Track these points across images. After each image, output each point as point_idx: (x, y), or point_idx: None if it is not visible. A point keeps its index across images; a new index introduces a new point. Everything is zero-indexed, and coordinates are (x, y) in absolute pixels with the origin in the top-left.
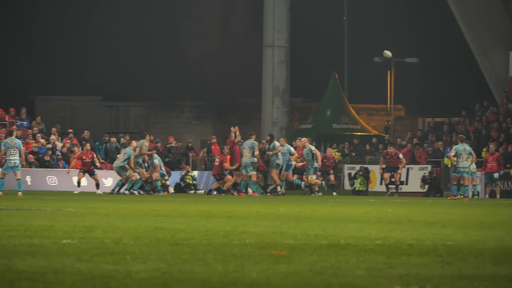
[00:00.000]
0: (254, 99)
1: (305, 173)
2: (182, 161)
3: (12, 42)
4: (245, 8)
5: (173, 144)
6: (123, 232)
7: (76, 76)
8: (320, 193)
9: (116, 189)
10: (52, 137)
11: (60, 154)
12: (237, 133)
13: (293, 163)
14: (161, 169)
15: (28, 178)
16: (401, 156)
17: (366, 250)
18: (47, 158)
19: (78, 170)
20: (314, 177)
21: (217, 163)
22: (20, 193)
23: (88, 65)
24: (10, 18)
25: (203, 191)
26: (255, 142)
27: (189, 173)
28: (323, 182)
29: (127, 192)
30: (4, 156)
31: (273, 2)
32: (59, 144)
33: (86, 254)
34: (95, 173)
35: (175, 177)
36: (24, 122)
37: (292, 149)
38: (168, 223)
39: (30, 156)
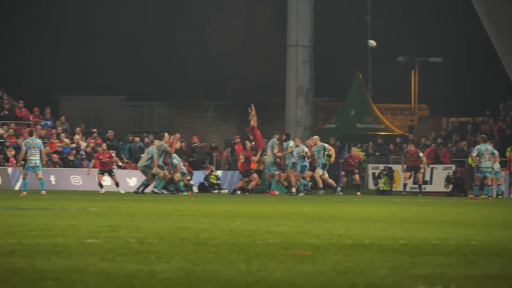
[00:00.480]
0: (278, 98)
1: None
2: (206, 161)
3: (37, 42)
4: (268, 8)
5: (197, 144)
6: (147, 232)
7: (100, 76)
8: (322, 192)
9: (141, 189)
10: (76, 136)
11: (84, 153)
12: (253, 112)
13: (307, 164)
14: (181, 168)
15: (52, 178)
16: (421, 154)
17: (390, 249)
18: (71, 157)
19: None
20: (320, 171)
21: (242, 160)
22: (43, 192)
23: (112, 65)
24: (35, 19)
25: (227, 190)
26: (276, 140)
27: (213, 173)
28: (339, 187)
29: (156, 190)
30: (25, 156)
31: (296, 1)
32: (83, 144)
33: (110, 254)
34: (113, 173)
35: (199, 176)
36: (48, 122)
37: (306, 149)
38: (192, 223)
39: (54, 155)
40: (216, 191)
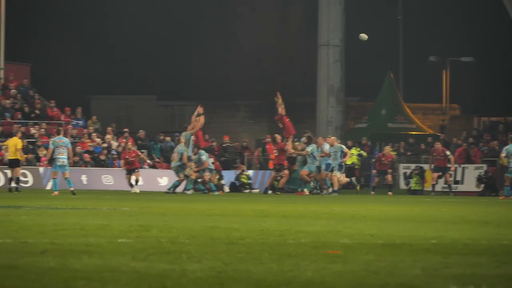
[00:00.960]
0: (309, 98)
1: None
2: (237, 161)
3: (69, 42)
4: (300, 8)
5: (228, 144)
6: (179, 232)
7: (132, 75)
8: (336, 193)
9: (172, 189)
10: (108, 136)
11: (115, 153)
12: (280, 100)
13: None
14: (209, 164)
15: (83, 177)
16: (448, 153)
17: (422, 249)
18: (102, 157)
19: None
20: (338, 174)
21: (276, 154)
22: (71, 188)
23: (144, 64)
24: (67, 19)
25: (258, 190)
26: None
27: (244, 172)
28: (358, 185)
29: (187, 192)
30: (51, 155)
31: (327, 1)
32: (114, 144)
33: (141, 253)
34: (137, 170)
35: (230, 176)
36: (79, 122)
37: (326, 147)
38: (223, 222)
39: (86, 155)
40: (247, 190)
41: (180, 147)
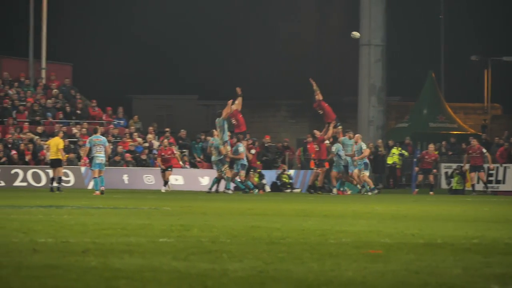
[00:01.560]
0: (350, 98)
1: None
2: (278, 160)
3: (111, 41)
4: (340, 7)
5: (269, 143)
6: (220, 231)
7: (173, 75)
8: (376, 191)
9: (213, 188)
10: (149, 136)
11: (157, 153)
12: (315, 86)
13: (366, 161)
14: (244, 158)
15: (125, 177)
16: (484, 150)
17: (463, 249)
18: (143, 157)
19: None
20: (366, 173)
21: (317, 149)
22: (102, 188)
23: (185, 64)
24: (109, 18)
25: (299, 189)
26: (346, 139)
27: (285, 172)
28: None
29: (228, 191)
30: (89, 153)
31: (369, 1)
32: (155, 143)
33: (182, 253)
34: (170, 169)
35: (271, 176)
36: (121, 121)
37: (363, 145)
38: (264, 222)
39: (127, 155)
40: (289, 190)
41: (215, 141)
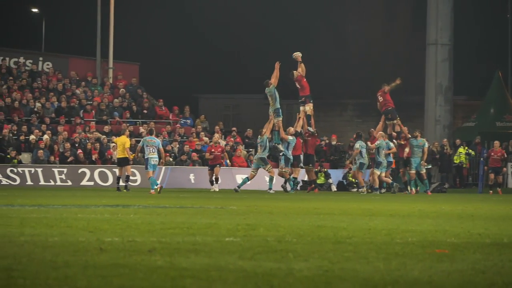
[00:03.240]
0: (417, 97)
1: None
2: (345, 159)
3: (177, 41)
4: (407, 6)
5: (336, 143)
6: (286, 230)
7: (239, 74)
8: (383, 190)
9: (239, 187)
10: (216, 135)
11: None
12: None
13: (390, 160)
14: (290, 153)
15: (191, 176)
16: None
17: None
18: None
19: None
20: (378, 171)
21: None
22: (160, 186)
23: (252, 64)
24: (175, 18)
25: (365, 189)
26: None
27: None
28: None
29: (271, 191)
30: (139, 151)
31: (436, 0)
32: (222, 142)
33: (248, 252)
34: (218, 166)
35: (337, 175)
36: (187, 121)
37: (391, 144)
38: (330, 221)
39: (194, 154)
40: (355, 189)
41: (262, 140)
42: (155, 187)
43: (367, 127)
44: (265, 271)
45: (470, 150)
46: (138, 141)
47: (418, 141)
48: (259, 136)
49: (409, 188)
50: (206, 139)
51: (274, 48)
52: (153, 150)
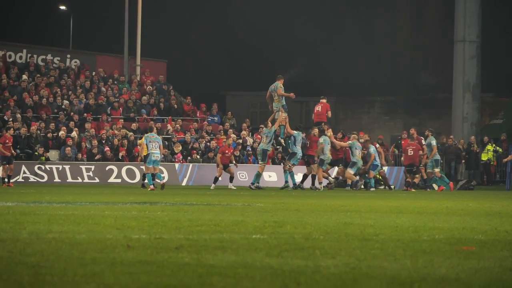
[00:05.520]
0: (445, 94)
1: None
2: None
3: (204, 39)
4: (435, 3)
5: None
6: (313, 228)
7: (267, 72)
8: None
9: (254, 184)
10: (243, 132)
11: (250, 149)
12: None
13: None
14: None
15: None
16: None
17: None
18: (237, 153)
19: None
20: (351, 170)
21: (411, 153)
22: (163, 182)
23: (279, 61)
24: (203, 15)
25: (393, 186)
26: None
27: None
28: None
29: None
30: (145, 148)
31: None
32: (249, 140)
33: (276, 249)
34: (230, 165)
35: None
36: (215, 118)
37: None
38: (357, 219)
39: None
40: (382, 187)
41: (273, 130)
42: (159, 182)
43: (394, 124)
44: (292, 269)
45: (498, 147)
46: (165, 139)
47: (428, 140)
48: (266, 127)
49: (435, 186)
50: (233, 136)
51: (301, 45)
52: (155, 146)
